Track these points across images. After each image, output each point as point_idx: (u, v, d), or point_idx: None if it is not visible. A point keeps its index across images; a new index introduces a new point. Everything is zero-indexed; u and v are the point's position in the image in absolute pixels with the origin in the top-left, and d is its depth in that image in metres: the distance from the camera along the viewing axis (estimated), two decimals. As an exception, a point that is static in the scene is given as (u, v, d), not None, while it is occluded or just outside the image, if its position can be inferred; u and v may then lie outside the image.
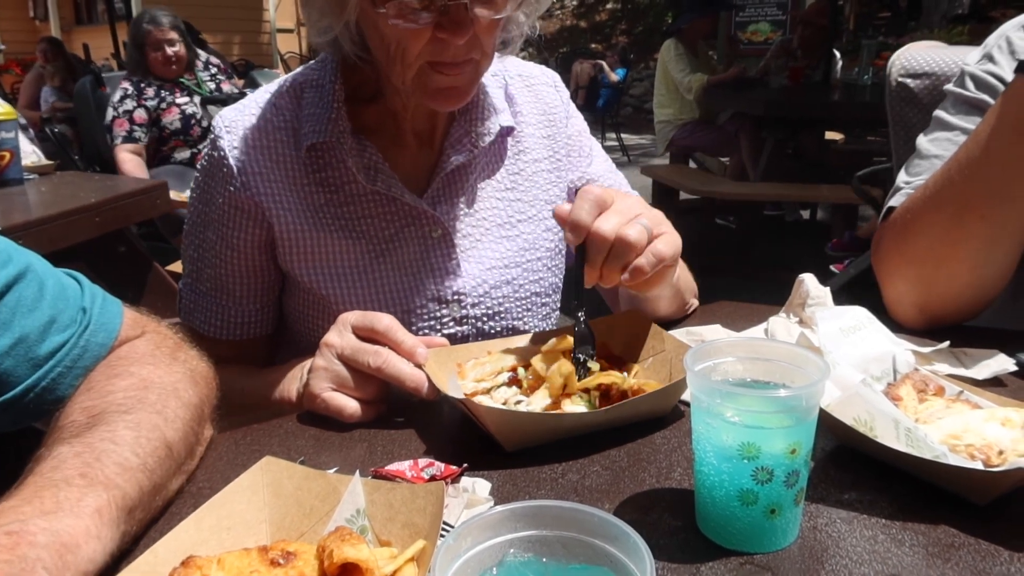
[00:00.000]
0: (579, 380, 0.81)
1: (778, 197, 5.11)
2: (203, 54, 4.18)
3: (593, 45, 14.24)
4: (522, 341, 0.92)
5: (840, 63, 5.76)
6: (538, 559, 0.49)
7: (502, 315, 1.07)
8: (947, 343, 0.92)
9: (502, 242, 1.08)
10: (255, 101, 1.03)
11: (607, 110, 9.78)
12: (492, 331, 1.07)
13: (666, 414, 0.82)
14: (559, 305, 1.16)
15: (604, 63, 10.02)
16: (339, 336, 0.86)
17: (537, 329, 1.11)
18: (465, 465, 0.71)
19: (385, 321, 0.85)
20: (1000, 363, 0.88)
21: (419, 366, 0.84)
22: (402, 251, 1.03)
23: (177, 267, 3.05)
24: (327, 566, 0.54)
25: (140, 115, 3.74)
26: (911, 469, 0.67)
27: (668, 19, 12.14)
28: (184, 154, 3.88)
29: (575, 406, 0.79)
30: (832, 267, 4.05)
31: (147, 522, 0.66)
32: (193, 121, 3.84)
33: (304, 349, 1.00)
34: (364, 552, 0.54)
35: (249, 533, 0.61)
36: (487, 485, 0.69)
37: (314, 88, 1.02)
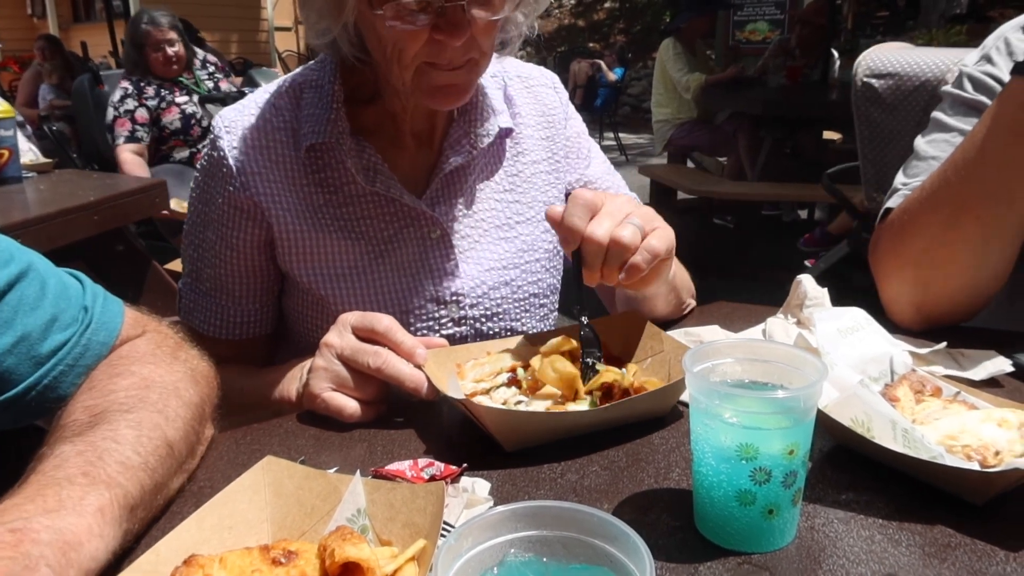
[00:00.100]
0: (586, 383, 0.81)
1: (776, 197, 5.12)
2: (200, 52, 4.18)
3: (591, 44, 14.24)
4: (521, 342, 0.92)
5: (838, 62, 5.76)
6: (538, 559, 0.49)
7: (500, 316, 1.08)
8: (944, 344, 0.92)
9: (500, 243, 1.08)
10: (254, 101, 1.03)
11: (605, 109, 9.78)
12: (490, 332, 1.07)
13: (665, 415, 0.82)
14: (557, 306, 1.17)
15: (602, 62, 10.03)
16: (339, 336, 0.86)
17: (535, 330, 1.12)
18: (465, 465, 0.71)
19: (385, 322, 0.85)
20: (997, 364, 0.89)
21: (418, 367, 0.84)
22: (401, 252, 1.03)
23: (175, 266, 3.05)
24: (328, 565, 0.54)
25: (142, 114, 3.73)
26: (908, 470, 0.67)
27: (666, 18, 12.13)
28: (183, 153, 3.88)
29: (576, 405, 0.80)
30: (805, 262, 4.07)
31: (149, 521, 0.66)
32: (193, 121, 3.84)
33: (303, 349, 1.00)
34: (365, 551, 0.54)
35: (251, 532, 0.61)
36: (487, 485, 0.70)
37: (313, 89, 1.02)
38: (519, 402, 0.82)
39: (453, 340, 1.02)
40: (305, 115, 1.00)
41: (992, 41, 1.08)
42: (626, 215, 0.81)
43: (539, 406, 0.80)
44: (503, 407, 0.79)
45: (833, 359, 0.81)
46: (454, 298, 1.04)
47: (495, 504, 0.67)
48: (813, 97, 5.09)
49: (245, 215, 1.00)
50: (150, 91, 3.76)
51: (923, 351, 0.91)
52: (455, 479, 0.69)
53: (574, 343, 0.86)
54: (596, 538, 0.48)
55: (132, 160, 3.65)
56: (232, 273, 1.04)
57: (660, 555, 0.59)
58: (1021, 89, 0.88)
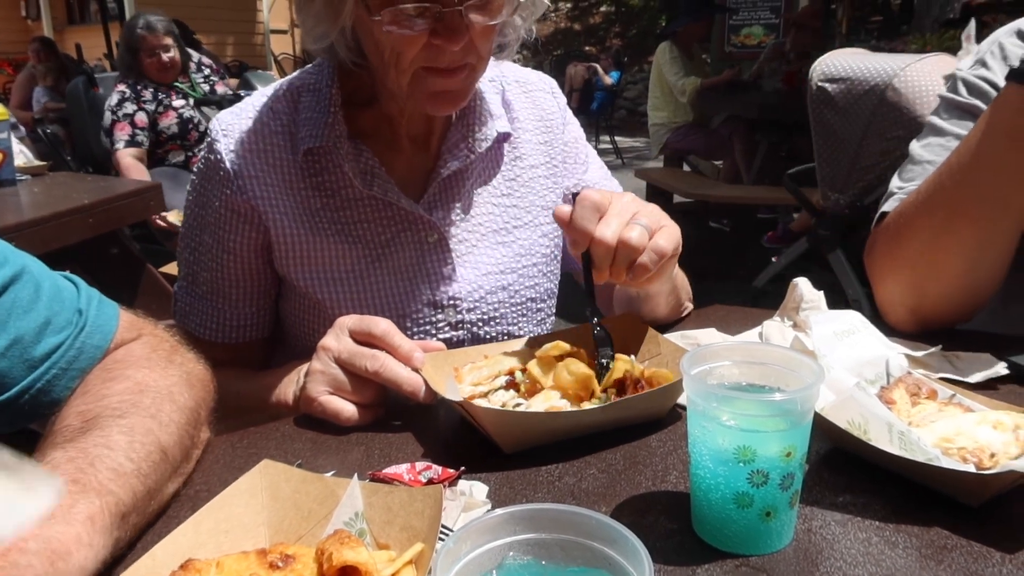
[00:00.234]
0: (600, 382, 0.82)
1: (771, 200, 5.12)
2: (195, 55, 4.17)
3: (587, 48, 14.29)
4: (519, 345, 0.92)
5: (833, 67, 5.77)
6: (537, 562, 0.49)
7: (497, 320, 1.08)
8: (939, 347, 0.93)
9: (498, 248, 1.08)
10: (252, 104, 1.03)
11: (601, 113, 9.81)
12: (487, 336, 1.07)
13: (662, 417, 0.82)
14: (554, 310, 1.17)
15: (598, 66, 10.05)
16: (336, 340, 0.86)
17: (532, 335, 1.12)
18: (462, 468, 0.71)
19: (382, 325, 0.85)
20: (992, 366, 0.89)
21: (416, 370, 0.84)
22: (398, 256, 1.03)
23: (170, 269, 3.05)
24: (326, 569, 0.54)
25: (141, 118, 3.71)
26: (904, 472, 0.68)
27: (661, 22, 12.18)
28: (179, 157, 3.86)
29: (588, 404, 0.80)
30: (772, 259, 4.13)
31: (142, 527, 0.66)
32: (191, 125, 3.82)
33: (300, 353, 1.00)
34: (363, 555, 0.54)
35: (247, 536, 0.61)
36: (484, 488, 0.70)
37: (311, 92, 1.02)
38: (517, 405, 0.82)
39: (450, 344, 1.02)
40: (302, 119, 1.00)
41: (987, 45, 1.09)
42: (633, 215, 0.82)
43: (538, 408, 0.80)
44: (501, 408, 0.79)
45: (829, 362, 0.81)
46: (451, 302, 1.04)
47: (493, 507, 0.67)
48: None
49: (242, 218, 1.00)
50: (147, 94, 3.75)
51: (918, 354, 0.91)
52: (453, 482, 0.69)
53: (567, 347, 0.87)
54: (594, 541, 0.48)
55: (133, 165, 3.63)
56: (229, 276, 1.03)
57: (658, 558, 0.59)
58: (1017, 95, 0.89)
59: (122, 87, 3.74)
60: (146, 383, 0.75)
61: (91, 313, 0.80)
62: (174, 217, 3.08)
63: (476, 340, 1.06)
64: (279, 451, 0.80)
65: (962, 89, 1.08)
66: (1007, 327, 1.08)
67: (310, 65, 1.07)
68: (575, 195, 0.83)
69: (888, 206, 1.07)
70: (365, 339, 0.85)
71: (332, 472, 0.73)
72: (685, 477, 0.71)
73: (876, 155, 2.59)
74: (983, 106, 1.04)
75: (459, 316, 1.05)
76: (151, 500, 0.66)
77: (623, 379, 0.82)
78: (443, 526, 0.61)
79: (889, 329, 1.01)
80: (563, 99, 1.20)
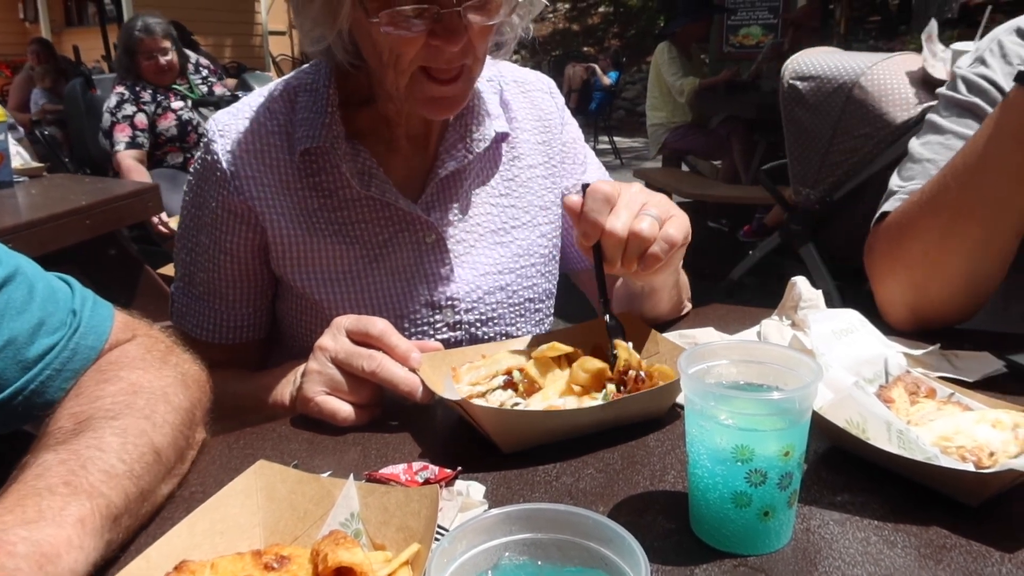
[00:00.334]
0: (613, 371, 0.83)
1: (770, 200, 5.13)
2: (192, 55, 4.16)
3: (585, 48, 14.30)
4: (517, 344, 0.92)
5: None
6: (533, 562, 0.49)
7: (495, 321, 1.07)
8: (938, 345, 0.92)
9: (496, 248, 1.08)
10: (249, 105, 1.03)
11: (600, 113, 9.81)
12: (485, 337, 1.07)
13: (661, 416, 0.82)
14: (552, 311, 1.17)
15: (596, 66, 10.06)
16: (333, 340, 0.85)
17: (530, 335, 1.11)
18: (459, 468, 0.71)
19: (379, 325, 0.85)
20: (990, 365, 0.89)
21: (413, 370, 0.83)
22: (396, 256, 1.02)
23: (168, 270, 3.04)
24: (321, 570, 0.54)
25: (141, 120, 3.70)
26: (903, 471, 0.67)
27: (660, 23, 12.19)
28: (177, 158, 3.86)
29: (591, 400, 0.80)
30: (750, 252, 4.19)
31: (135, 529, 0.65)
32: (190, 127, 3.82)
33: (297, 353, 0.99)
34: (358, 556, 0.54)
35: (243, 537, 0.61)
36: (481, 488, 0.69)
37: (308, 92, 1.01)
38: (515, 404, 0.81)
39: (448, 345, 1.01)
40: (300, 119, 1.00)
41: (986, 43, 1.09)
42: (642, 205, 0.83)
43: (537, 407, 0.80)
44: (500, 408, 0.79)
45: (828, 361, 0.81)
46: (449, 303, 1.04)
47: (490, 507, 0.67)
48: (806, 101, 5.10)
49: (239, 219, 0.99)
50: (146, 96, 3.75)
51: (917, 352, 0.91)
52: (450, 482, 0.69)
53: (564, 348, 0.86)
54: (591, 541, 0.48)
55: (134, 167, 3.62)
56: (225, 277, 1.03)
57: (656, 558, 0.59)
58: (1023, 97, 0.89)
59: (120, 89, 3.74)
60: (140, 384, 0.75)
61: (85, 314, 0.79)
62: (176, 223, 3.06)
63: (474, 340, 1.06)
64: (275, 452, 0.80)
65: (962, 87, 1.08)
66: (1007, 326, 1.08)
67: (307, 65, 1.07)
68: (585, 187, 0.83)
69: (889, 205, 1.07)
70: (362, 339, 0.85)
71: (328, 472, 0.73)
72: (683, 477, 0.70)
73: (845, 152, 2.67)
74: (983, 104, 1.04)
75: (457, 316, 1.04)
76: (144, 502, 0.66)
77: (623, 369, 0.82)
78: (440, 526, 0.61)
79: (888, 328, 1.01)
80: (561, 99, 1.19)
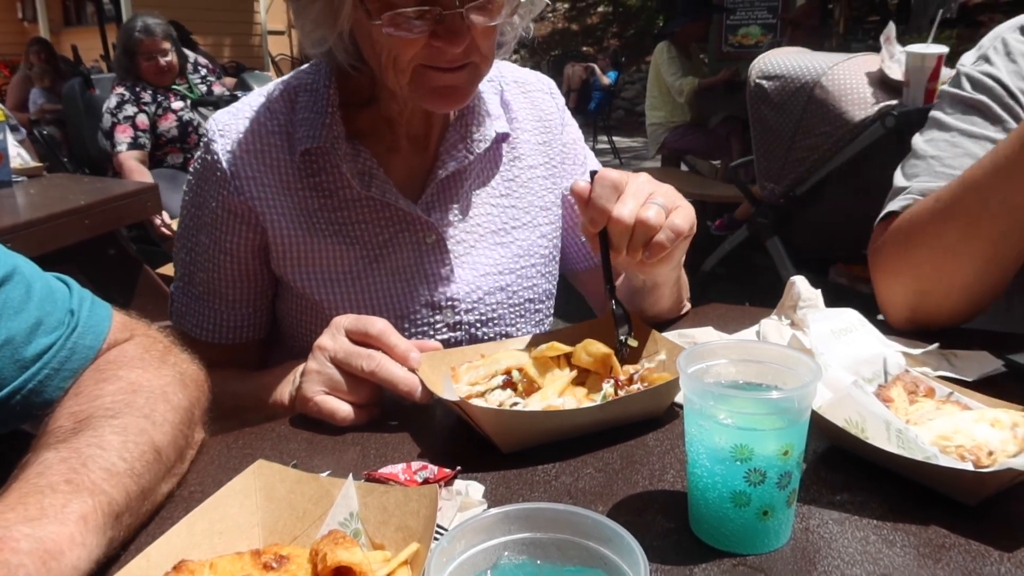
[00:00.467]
0: (621, 359, 0.83)
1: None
2: (191, 55, 4.16)
3: (585, 48, 14.29)
4: (516, 344, 0.92)
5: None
6: (532, 561, 0.49)
7: (495, 321, 1.07)
8: (937, 345, 0.92)
9: (496, 248, 1.08)
10: (249, 104, 1.03)
11: (599, 113, 9.80)
12: (485, 337, 1.07)
13: (660, 415, 0.82)
14: (552, 311, 1.17)
15: (596, 66, 10.05)
16: (332, 339, 0.85)
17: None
18: (458, 468, 0.71)
19: (379, 325, 0.85)
20: (989, 364, 0.89)
21: (412, 370, 0.83)
22: (396, 257, 1.02)
23: (167, 270, 3.04)
24: (320, 570, 0.54)
25: (142, 120, 3.70)
26: (902, 470, 0.67)
27: (659, 23, 12.18)
28: (177, 158, 3.86)
29: (590, 400, 0.80)
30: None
31: (136, 527, 0.65)
32: (190, 128, 3.81)
33: (297, 353, 0.99)
34: (357, 555, 0.54)
35: (242, 537, 0.61)
36: (480, 488, 0.69)
37: (308, 92, 1.01)
38: (514, 404, 0.81)
39: (448, 345, 1.01)
40: (300, 119, 1.00)
41: (989, 41, 1.09)
42: (649, 194, 0.83)
43: (536, 407, 0.80)
44: (499, 408, 0.79)
45: (827, 360, 0.81)
46: (449, 303, 1.04)
47: (489, 507, 0.67)
48: (805, 101, 5.10)
49: (239, 219, 0.99)
50: (146, 96, 3.74)
51: (916, 352, 0.91)
52: (449, 482, 0.69)
53: (563, 348, 0.86)
54: (590, 540, 0.48)
55: (136, 168, 3.62)
56: (225, 277, 1.03)
57: (655, 557, 0.59)
58: None
59: (121, 89, 3.73)
60: (139, 383, 0.75)
61: (83, 314, 0.79)
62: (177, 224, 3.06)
63: (474, 341, 1.06)
64: (274, 451, 0.80)
65: (966, 84, 1.07)
66: (1010, 326, 1.07)
67: (307, 65, 1.06)
68: (593, 173, 0.84)
69: (895, 204, 1.06)
70: (361, 339, 0.85)
71: (327, 472, 0.73)
72: (682, 476, 0.71)
73: (806, 148, 2.76)
74: (989, 101, 1.03)
75: (457, 317, 1.04)
76: (145, 500, 0.66)
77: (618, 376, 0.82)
78: (439, 526, 0.61)
79: (886, 327, 1.01)
80: (562, 100, 1.20)
